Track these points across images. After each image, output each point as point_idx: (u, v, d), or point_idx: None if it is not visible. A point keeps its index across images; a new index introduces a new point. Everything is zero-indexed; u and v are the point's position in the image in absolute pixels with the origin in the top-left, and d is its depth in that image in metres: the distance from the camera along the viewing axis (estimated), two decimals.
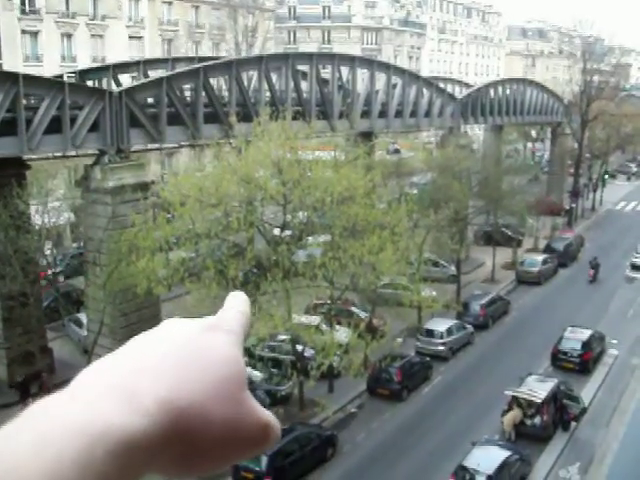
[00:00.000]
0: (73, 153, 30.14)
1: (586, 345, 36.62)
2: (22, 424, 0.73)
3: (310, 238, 26.95)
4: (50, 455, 0.68)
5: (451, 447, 28.60)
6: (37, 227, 28.02)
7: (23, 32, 55.20)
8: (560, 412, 30.08)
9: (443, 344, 38.01)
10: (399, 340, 38.96)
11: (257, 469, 25.35)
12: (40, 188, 29.36)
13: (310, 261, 24.48)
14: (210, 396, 0.85)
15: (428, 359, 36.74)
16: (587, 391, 33.85)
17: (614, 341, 39.92)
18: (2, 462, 0.67)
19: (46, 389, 29.11)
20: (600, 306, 46.51)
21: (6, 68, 45.22)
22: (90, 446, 0.70)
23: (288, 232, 25.45)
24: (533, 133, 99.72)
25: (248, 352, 31.02)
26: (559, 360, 36.86)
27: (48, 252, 30.00)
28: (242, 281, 23.45)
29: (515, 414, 29.40)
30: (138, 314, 27.96)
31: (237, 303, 1.02)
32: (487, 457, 25.72)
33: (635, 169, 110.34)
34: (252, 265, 24.21)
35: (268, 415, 0.94)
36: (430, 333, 38.44)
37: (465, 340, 39.94)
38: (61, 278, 42.28)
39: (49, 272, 30.40)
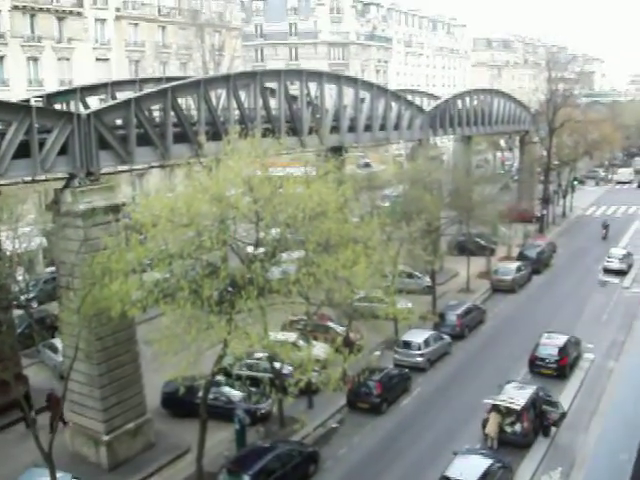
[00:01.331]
0: (43, 177, 29.85)
1: (562, 350, 36.91)
2: None
3: (284, 255, 26.89)
4: None
5: (433, 457, 28.62)
6: (8, 253, 27.73)
7: None
8: (540, 418, 30.23)
9: (421, 355, 38.10)
10: (377, 353, 39.04)
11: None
12: (10, 213, 29.08)
13: (284, 277, 24.40)
14: None
15: (407, 371, 36.80)
16: (565, 396, 34.10)
17: (590, 345, 40.30)
18: None
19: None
20: (575, 311, 46.97)
21: None
22: None
23: (261, 249, 25.37)
24: (502, 142, 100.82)
25: (225, 371, 30.88)
26: (537, 366, 37.11)
27: (20, 278, 29.69)
28: (217, 300, 23.28)
29: (498, 419, 29.46)
30: (113, 337, 27.71)
31: None
32: (469, 466, 25.71)
33: (603, 174, 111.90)
34: (226, 284, 24.06)
35: None
36: (407, 345, 38.52)
37: (443, 351, 40.07)
38: (34, 304, 41.90)
39: (22, 298, 30.07)
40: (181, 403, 31.55)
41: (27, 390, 32.69)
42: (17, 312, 33.97)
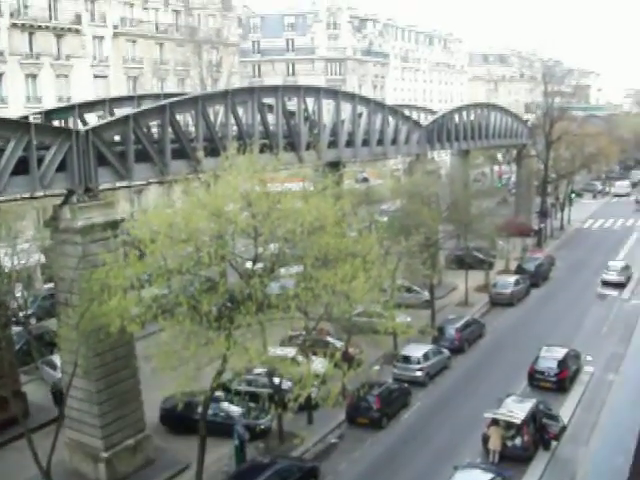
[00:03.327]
0: (41, 194, 29.90)
1: (562, 364, 36.87)
2: None
3: (282, 270, 26.91)
4: None
5: (433, 472, 28.54)
6: (7, 269, 27.72)
7: None
8: (540, 432, 30.15)
9: (420, 370, 38.04)
10: (376, 368, 38.96)
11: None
12: (9, 230, 29.10)
13: (283, 293, 24.39)
14: None
15: (406, 385, 36.73)
16: (566, 409, 34.03)
17: (589, 358, 40.24)
18: None
19: None
20: (574, 324, 46.94)
21: None
22: None
23: (260, 265, 25.38)
24: (499, 156, 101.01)
25: (224, 387, 30.82)
26: (536, 380, 37.05)
27: (19, 294, 29.68)
28: (216, 316, 23.27)
29: (500, 432, 29.39)
30: (112, 353, 27.67)
31: None
32: None
33: (600, 187, 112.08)
34: (225, 299, 24.07)
35: None
36: (407, 359, 38.47)
37: (442, 365, 40.01)
38: (33, 320, 41.82)
39: (20, 315, 30.05)
40: (180, 419, 31.48)
41: (26, 407, 32.66)
42: (16, 329, 33.92)
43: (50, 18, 59.71)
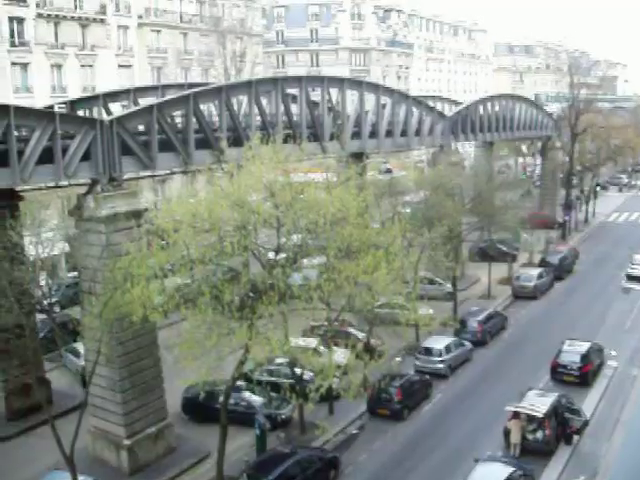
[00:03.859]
0: (66, 183, 30.08)
1: (585, 358, 36.59)
2: None
3: (305, 260, 26.90)
4: None
5: (454, 465, 28.48)
6: (31, 258, 27.94)
7: (13, 64, 55.37)
8: (562, 426, 29.98)
9: (442, 362, 37.95)
10: (398, 359, 38.91)
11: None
12: (33, 219, 29.30)
13: (305, 283, 24.37)
14: None
15: (427, 377, 36.68)
16: (588, 404, 33.78)
17: (613, 353, 39.92)
18: None
19: None
20: (597, 318, 46.56)
21: None
22: None
23: (283, 255, 25.39)
24: (524, 148, 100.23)
25: (246, 377, 30.92)
26: (559, 374, 36.82)
27: (43, 283, 29.92)
28: (238, 306, 23.32)
29: (521, 425, 29.25)
30: (135, 342, 27.85)
31: None
32: (491, 474, 25.51)
33: (626, 180, 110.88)
34: (247, 289, 24.08)
35: None
36: (429, 351, 38.39)
37: (464, 357, 39.89)
38: (57, 308, 42.18)
39: (45, 303, 30.29)
40: (202, 408, 31.62)
41: (49, 394, 32.98)
42: (40, 317, 34.22)
43: (75, 8, 59.99)
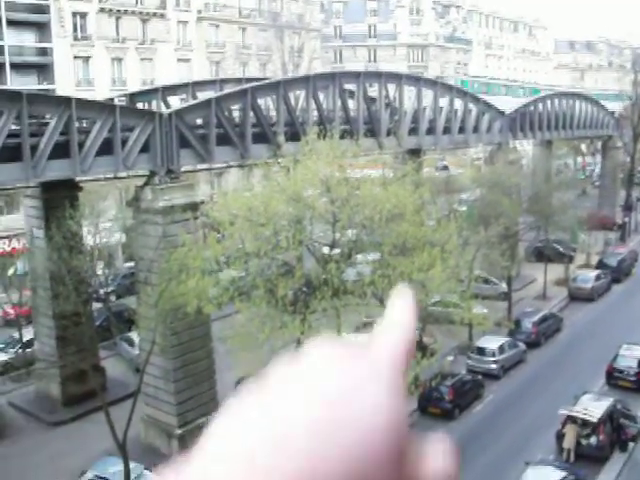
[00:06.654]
0: (124, 174, 30.56)
1: None
2: None
3: (359, 256, 26.86)
4: None
5: (504, 467, 28.11)
6: (89, 247, 28.47)
7: (75, 57, 56.47)
8: (617, 432, 29.35)
9: (495, 362, 37.49)
10: (450, 358, 38.56)
11: None
12: (92, 209, 29.85)
13: (359, 279, 24.37)
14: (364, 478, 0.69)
15: (480, 377, 36.29)
16: None
17: None
18: None
19: None
20: None
21: (60, 92, 46.21)
22: None
23: (337, 250, 25.38)
24: (583, 147, 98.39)
25: None
26: (615, 378, 36.04)
27: (100, 272, 30.46)
28: (291, 300, 23.45)
29: (576, 430, 28.74)
30: (189, 333, 28.17)
31: (404, 318, 0.82)
32: (542, 478, 25.16)
33: None
34: (301, 284, 24.19)
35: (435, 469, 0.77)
36: (481, 351, 37.97)
37: (517, 358, 39.35)
38: (113, 298, 42.91)
39: (101, 292, 30.86)
40: None
41: (104, 381, 33.58)
42: (96, 305, 34.87)
43: (136, 3, 60.85)
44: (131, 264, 37.92)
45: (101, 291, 30.98)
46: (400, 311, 0.82)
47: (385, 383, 0.76)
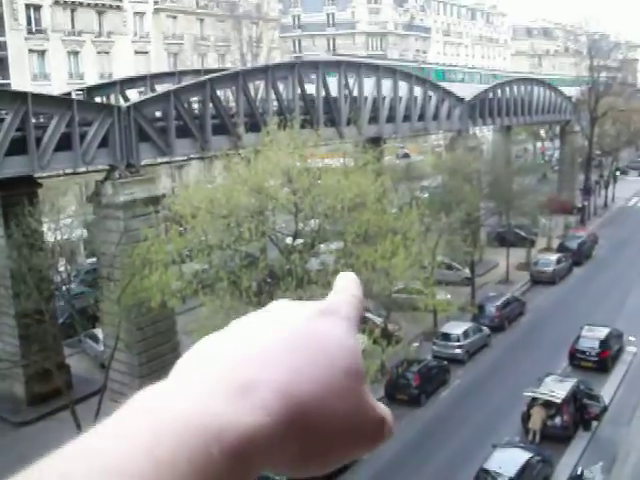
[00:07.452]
0: (84, 169, 30.23)
1: (604, 343, 36.34)
2: (128, 418, 0.71)
3: (322, 246, 26.91)
4: (164, 455, 0.63)
5: (472, 450, 28.43)
6: (50, 245, 28.13)
7: (30, 51, 55.59)
8: (581, 412, 29.87)
9: (460, 347, 37.84)
10: (415, 345, 38.84)
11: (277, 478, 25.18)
12: (52, 206, 29.50)
13: (323, 269, 24.44)
14: (331, 389, 0.76)
15: (445, 363, 36.59)
16: (607, 389, 33.62)
17: (632, 338, 39.60)
18: (113, 459, 0.64)
19: None
20: (617, 304, 46.18)
21: (15, 87, 45.51)
22: (205, 446, 0.64)
23: (300, 240, 25.42)
24: (542, 132, 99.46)
25: None
26: (577, 359, 36.62)
27: (62, 269, 30.13)
28: (255, 291, 23.41)
29: (541, 412, 29.17)
30: (153, 327, 28.03)
31: (349, 285, 0.91)
32: (509, 459, 25.55)
33: None
34: (265, 275, 24.20)
35: (384, 410, 0.88)
36: (446, 337, 38.28)
37: (482, 342, 39.76)
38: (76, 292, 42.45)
39: (64, 288, 30.54)
40: None
41: (69, 379, 33.25)
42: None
43: None
44: (93, 260, 37.60)
45: (63, 288, 30.67)
46: (345, 281, 0.93)
47: (345, 318, 0.84)
